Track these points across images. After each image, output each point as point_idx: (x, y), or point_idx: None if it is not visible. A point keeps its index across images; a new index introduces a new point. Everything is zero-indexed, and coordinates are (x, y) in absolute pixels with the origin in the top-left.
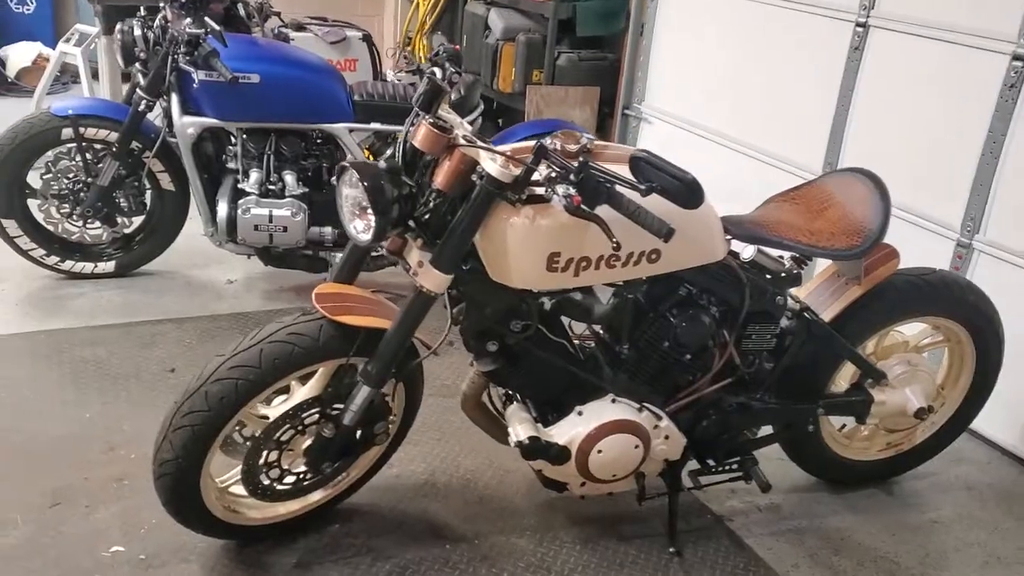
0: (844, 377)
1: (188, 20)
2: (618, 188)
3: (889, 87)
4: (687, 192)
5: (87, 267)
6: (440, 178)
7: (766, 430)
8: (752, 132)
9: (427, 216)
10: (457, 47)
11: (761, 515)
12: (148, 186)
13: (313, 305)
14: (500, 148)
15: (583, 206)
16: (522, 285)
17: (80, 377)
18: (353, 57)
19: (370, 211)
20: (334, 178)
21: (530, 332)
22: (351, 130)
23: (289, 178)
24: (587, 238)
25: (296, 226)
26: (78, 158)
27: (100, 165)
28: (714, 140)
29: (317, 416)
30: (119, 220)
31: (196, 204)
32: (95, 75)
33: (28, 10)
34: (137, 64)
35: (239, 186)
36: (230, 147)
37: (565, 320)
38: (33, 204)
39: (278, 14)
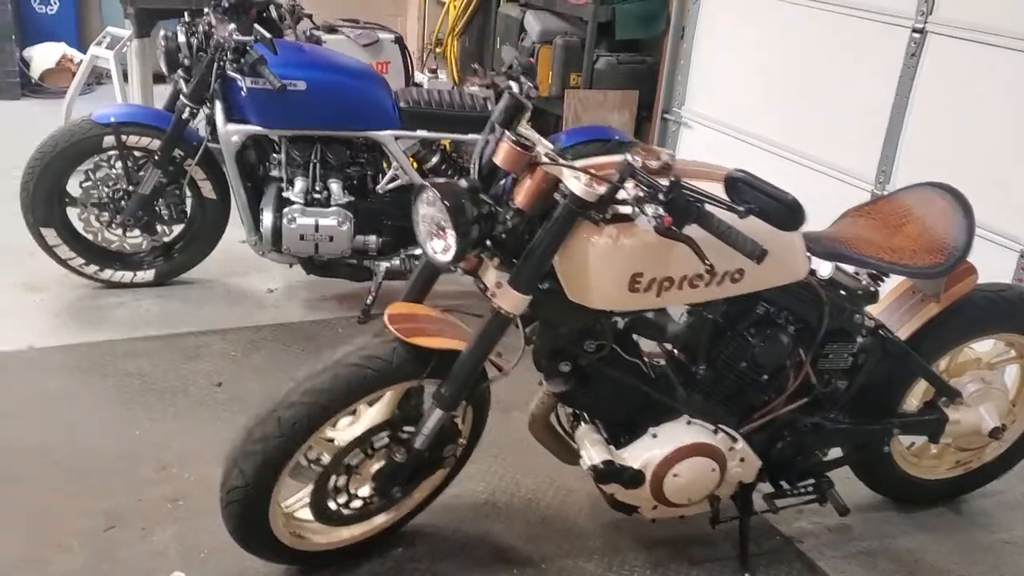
0: (914, 395)
1: (232, 26)
2: (708, 208)
3: (948, 94)
4: (787, 214)
5: (126, 276)
6: (521, 197)
7: (836, 450)
8: (800, 138)
9: (505, 235)
10: (532, 59)
11: (831, 536)
12: (189, 194)
13: (386, 326)
14: (581, 164)
15: (673, 227)
16: (602, 306)
17: (125, 392)
18: (385, 60)
19: (450, 231)
20: (387, 186)
21: (604, 352)
22: (397, 137)
23: (335, 186)
24: (671, 258)
25: (342, 235)
26: (118, 166)
27: (141, 173)
28: (759, 146)
29: (387, 440)
30: (159, 229)
31: (238, 213)
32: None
33: (51, 10)
34: (179, 71)
35: (283, 195)
36: (274, 155)
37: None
38: (72, 213)
39: (309, 16)
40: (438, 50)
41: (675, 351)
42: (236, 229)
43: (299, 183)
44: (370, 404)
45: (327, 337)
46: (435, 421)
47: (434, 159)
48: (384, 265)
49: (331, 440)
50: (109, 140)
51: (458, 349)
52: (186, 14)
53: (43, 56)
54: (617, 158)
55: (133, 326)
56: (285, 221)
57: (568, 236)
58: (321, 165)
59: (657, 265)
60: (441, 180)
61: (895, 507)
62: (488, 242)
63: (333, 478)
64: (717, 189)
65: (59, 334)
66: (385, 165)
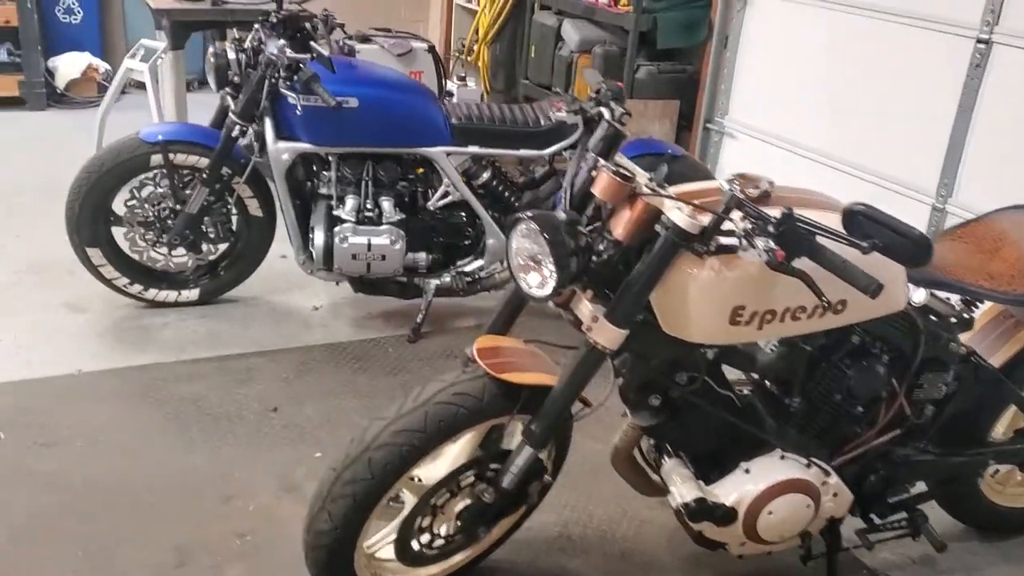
0: (1000, 423)
1: (282, 42)
2: (820, 240)
3: (1015, 107)
4: (914, 249)
5: (170, 295)
6: (620, 228)
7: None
8: (852, 149)
9: (600, 267)
10: (620, 83)
11: (917, 568)
12: (235, 212)
13: (475, 361)
14: (683, 189)
15: (785, 261)
16: (701, 340)
17: (181, 418)
18: (419, 70)
19: (549, 266)
20: (438, 202)
21: (697, 385)
22: (448, 154)
23: (386, 204)
24: (775, 291)
25: (394, 254)
26: (163, 184)
27: (187, 191)
28: (807, 156)
29: (473, 478)
30: (204, 247)
31: (287, 231)
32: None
33: (75, 20)
34: (227, 88)
35: (334, 213)
36: (324, 173)
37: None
38: (116, 232)
39: (342, 26)
40: (468, 58)
41: (765, 382)
42: (275, 244)
43: (350, 201)
44: (453, 441)
45: (377, 357)
46: (524, 459)
47: (485, 175)
48: (434, 283)
49: (415, 478)
50: (156, 158)
51: (549, 384)
52: (235, 30)
53: (68, 66)
54: (712, 185)
55: (181, 348)
56: (337, 240)
57: (668, 268)
58: (372, 183)
59: (760, 298)
60: (538, 212)
61: (978, 536)
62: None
63: (418, 518)
64: (822, 218)
65: (107, 357)
66: (435, 181)
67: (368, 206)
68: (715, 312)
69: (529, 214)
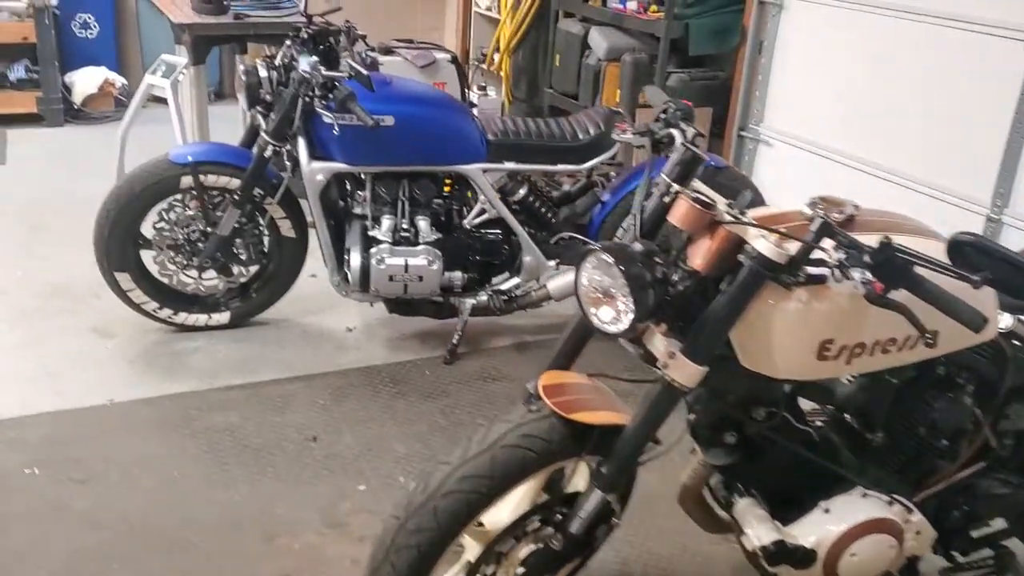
0: None
1: (314, 59)
2: (918, 270)
3: None
4: None
5: (200, 319)
6: (699, 258)
7: None
8: (898, 157)
9: (677, 299)
10: (688, 102)
11: None
12: (266, 233)
13: (539, 399)
14: (761, 214)
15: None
16: (785, 375)
17: (218, 450)
18: (442, 81)
19: (626, 300)
20: (474, 220)
21: (775, 421)
22: (485, 171)
23: (423, 224)
24: (865, 323)
25: (432, 275)
26: (192, 206)
27: (218, 213)
28: (849, 164)
29: (539, 523)
30: (235, 270)
31: (321, 252)
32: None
33: (91, 35)
34: (257, 107)
35: (369, 233)
36: (359, 192)
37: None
38: (144, 255)
39: (364, 37)
40: (485, 66)
41: (844, 415)
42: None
43: (386, 221)
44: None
45: (415, 380)
46: (594, 504)
47: (521, 191)
48: (470, 302)
49: (479, 524)
50: (186, 180)
51: (621, 424)
52: (267, 48)
53: (85, 81)
54: (792, 209)
55: (214, 374)
56: (374, 262)
57: (752, 301)
58: (408, 202)
59: (850, 331)
60: (610, 243)
61: None
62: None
63: (483, 566)
64: (918, 246)
65: (138, 385)
66: (470, 198)
67: (404, 226)
68: (802, 346)
69: (603, 245)
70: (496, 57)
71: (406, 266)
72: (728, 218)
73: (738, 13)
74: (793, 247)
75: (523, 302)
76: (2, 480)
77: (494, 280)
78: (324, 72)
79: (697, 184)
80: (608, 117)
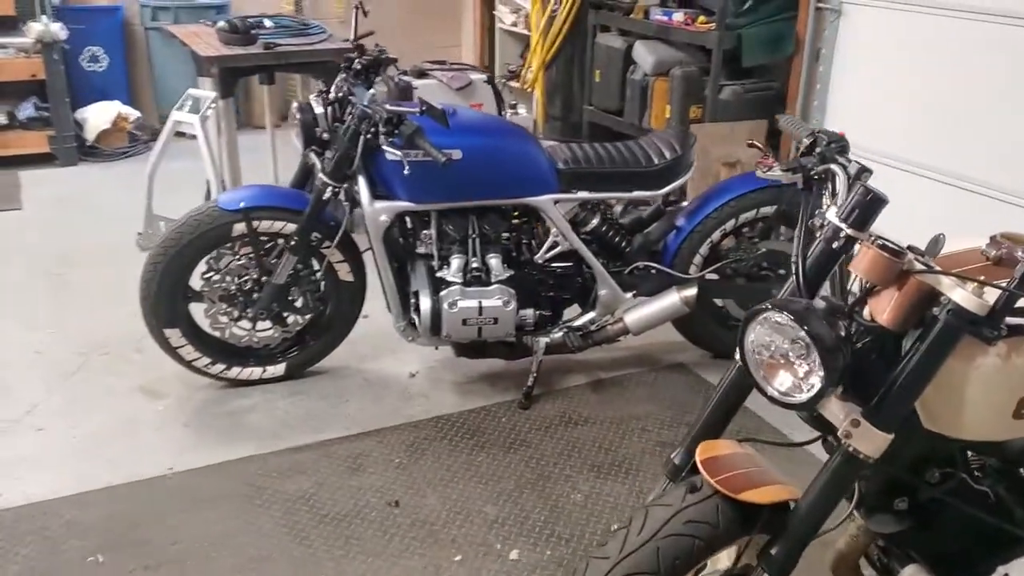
0: None
1: (372, 91)
2: None
3: None
4: None
5: (255, 373)
6: (888, 313)
7: None
8: (982, 167)
9: (857, 359)
10: (842, 132)
11: None
12: (322, 279)
13: (700, 475)
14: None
15: None
16: (976, 436)
17: (296, 522)
18: (478, 102)
19: (813, 366)
20: (546, 254)
21: (953, 483)
22: (556, 201)
23: (494, 261)
24: None
25: (508, 316)
26: (242, 253)
27: (273, 260)
28: (920, 174)
29: None
30: (290, 319)
31: (385, 297)
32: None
33: (101, 68)
34: (313, 146)
35: (437, 274)
36: (424, 231)
37: None
38: (193, 307)
39: (395, 61)
40: (515, 84)
41: (1021, 470)
42: None
43: (455, 261)
44: None
45: (492, 430)
46: None
47: (594, 221)
48: (544, 341)
49: None
50: (239, 227)
51: (792, 500)
52: (322, 83)
53: (97, 116)
54: (970, 247)
55: (276, 434)
56: (445, 306)
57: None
58: (478, 239)
59: None
60: (787, 299)
61: None
62: None
63: None
64: None
65: (197, 451)
66: (540, 231)
67: (474, 264)
68: (998, 406)
69: (778, 302)
70: (529, 75)
71: (480, 308)
72: (919, 267)
73: (791, 21)
74: (991, 296)
75: (599, 337)
76: (66, 572)
77: (567, 315)
78: (389, 107)
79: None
80: (683, 138)
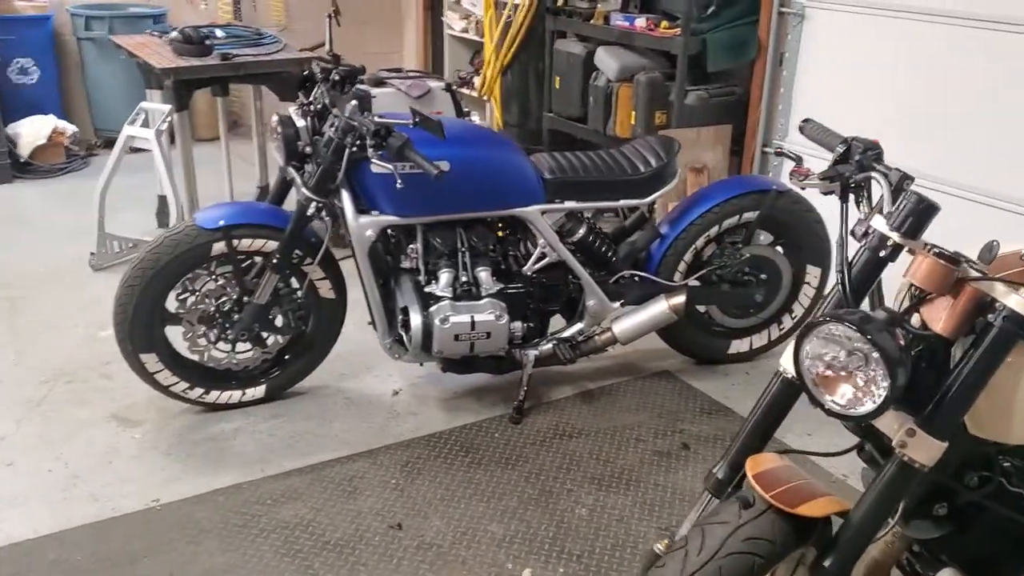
0: None
1: (354, 103)
2: None
3: None
4: None
5: (234, 396)
6: (945, 321)
7: None
8: (950, 166)
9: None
10: (876, 139)
11: None
12: (303, 297)
13: (757, 493)
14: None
15: None
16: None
17: (297, 551)
18: (438, 110)
19: (877, 378)
20: (534, 266)
21: (991, 487)
22: (544, 212)
23: (483, 274)
24: None
25: (500, 330)
26: (218, 273)
27: (254, 279)
28: None
29: None
30: (271, 339)
31: (370, 314)
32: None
33: (31, 80)
34: (293, 161)
35: (425, 289)
36: (411, 246)
37: None
38: (170, 331)
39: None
40: (465, 91)
41: None
42: None
43: (444, 275)
44: None
45: (486, 446)
46: None
47: (580, 231)
48: (533, 353)
49: None
50: (219, 246)
51: (844, 511)
52: (300, 94)
53: (31, 132)
54: (1010, 252)
55: (263, 459)
56: (437, 321)
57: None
58: (466, 252)
59: None
60: (847, 311)
61: None
62: None
63: None
64: None
65: (183, 480)
66: (527, 243)
67: (463, 278)
68: None
69: (834, 315)
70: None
71: (473, 323)
72: (974, 274)
73: (753, 25)
74: None
75: (587, 348)
76: None
77: (553, 327)
78: (378, 119)
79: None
80: (667, 145)
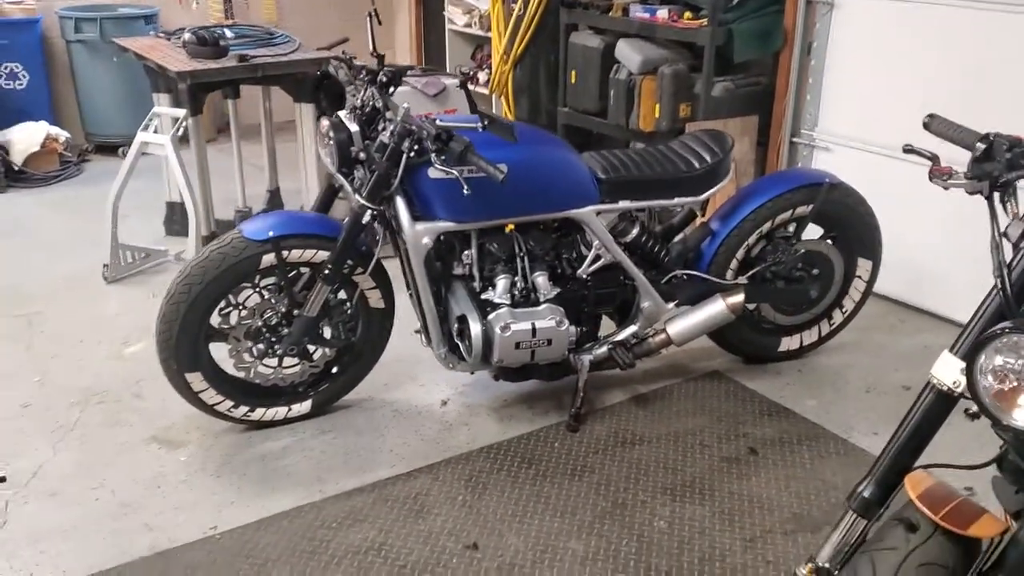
0: None
1: (407, 105)
2: None
3: None
4: None
5: (280, 412)
6: None
7: None
8: None
9: None
10: (1019, 136)
11: None
12: (352, 308)
13: (924, 514)
14: None
15: None
16: None
17: None
18: (452, 108)
19: None
20: (589, 268)
21: None
22: (599, 212)
23: (541, 279)
24: None
25: (561, 336)
26: (262, 286)
27: (302, 291)
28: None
29: None
30: (317, 352)
31: (423, 324)
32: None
33: (20, 86)
34: (344, 167)
35: (482, 297)
36: (466, 252)
37: None
38: (214, 346)
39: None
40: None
41: None
42: None
43: (501, 281)
44: None
45: (548, 456)
46: None
47: (634, 231)
48: (588, 358)
49: None
50: (268, 258)
51: (1005, 530)
52: (348, 95)
53: (24, 139)
54: None
55: (320, 479)
56: (498, 329)
57: None
58: (526, 257)
59: None
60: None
61: None
62: None
63: None
64: None
65: (240, 505)
66: (580, 245)
67: (520, 284)
68: None
69: (1017, 325)
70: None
71: (534, 329)
72: None
73: (779, 15)
74: None
75: (642, 351)
76: None
77: (604, 330)
78: (439, 122)
79: None
80: (720, 140)
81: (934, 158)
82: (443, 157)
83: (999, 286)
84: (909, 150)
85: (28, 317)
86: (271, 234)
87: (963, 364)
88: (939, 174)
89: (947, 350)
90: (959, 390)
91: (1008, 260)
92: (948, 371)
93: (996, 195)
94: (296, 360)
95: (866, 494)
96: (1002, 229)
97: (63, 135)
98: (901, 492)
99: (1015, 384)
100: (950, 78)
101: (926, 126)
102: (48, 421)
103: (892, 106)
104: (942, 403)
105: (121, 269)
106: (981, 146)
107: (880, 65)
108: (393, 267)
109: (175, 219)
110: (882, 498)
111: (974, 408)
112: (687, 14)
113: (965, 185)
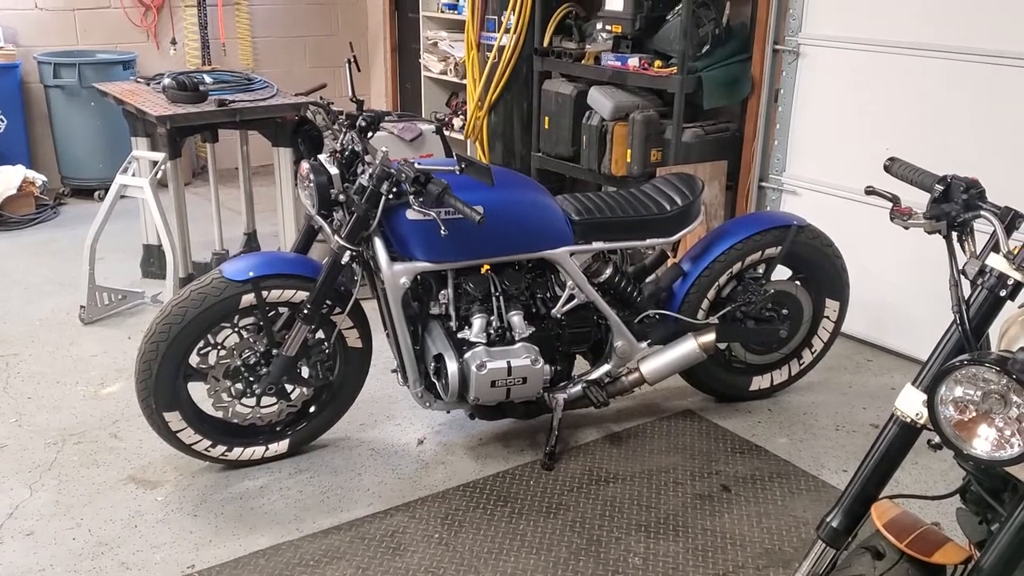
0: None
1: (385, 149)
2: None
3: None
4: None
5: (257, 452)
6: None
7: None
8: None
9: None
10: (974, 177)
11: None
12: (329, 348)
13: (890, 542)
14: None
15: None
16: None
17: None
18: (428, 152)
19: (1018, 422)
20: (563, 308)
21: None
22: (572, 253)
23: (516, 319)
24: None
25: (536, 375)
26: (240, 326)
27: (281, 331)
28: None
29: None
30: (295, 392)
31: (400, 363)
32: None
33: None
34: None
35: (458, 335)
36: (442, 291)
37: None
38: (192, 386)
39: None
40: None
41: None
42: None
43: (477, 321)
44: None
45: (523, 494)
46: None
47: (607, 271)
48: (562, 397)
49: None
50: (247, 298)
51: (968, 558)
52: (327, 138)
53: (2, 182)
54: None
55: (297, 517)
56: (474, 368)
57: None
58: (501, 296)
59: None
60: (984, 353)
61: None
62: None
63: None
64: None
65: (216, 544)
66: (554, 285)
67: (496, 323)
68: None
69: (973, 359)
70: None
71: (509, 368)
72: None
73: (747, 63)
74: None
75: (615, 389)
76: None
77: (577, 370)
78: (418, 165)
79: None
80: (690, 183)
81: (895, 199)
82: (421, 199)
83: (958, 321)
84: (871, 192)
85: (5, 359)
86: (251, 274)
87: (925, 396)
88: (900, 214)
89: (910, 383)
90: (922, 421)
91: (966, 296)
92: (911, 403)
93: (954, 234)
94: (274, 399)
95: (834, 524)
96: (960, 267)
97: (40, 179)
98: (868, 521)
99: (974, 414)
100: (910, 123)
101: (887, 169)
102: (25, 461)
103: (856, 150)
104: (906, 434)
105: (98, 311)
106: (939, 188)
107: (844, 111)
108: (371, 307)
109: (152, 261)
110: (850, 527)
111: (936, 439)
112: (657, 62)
113: (924, 225)
